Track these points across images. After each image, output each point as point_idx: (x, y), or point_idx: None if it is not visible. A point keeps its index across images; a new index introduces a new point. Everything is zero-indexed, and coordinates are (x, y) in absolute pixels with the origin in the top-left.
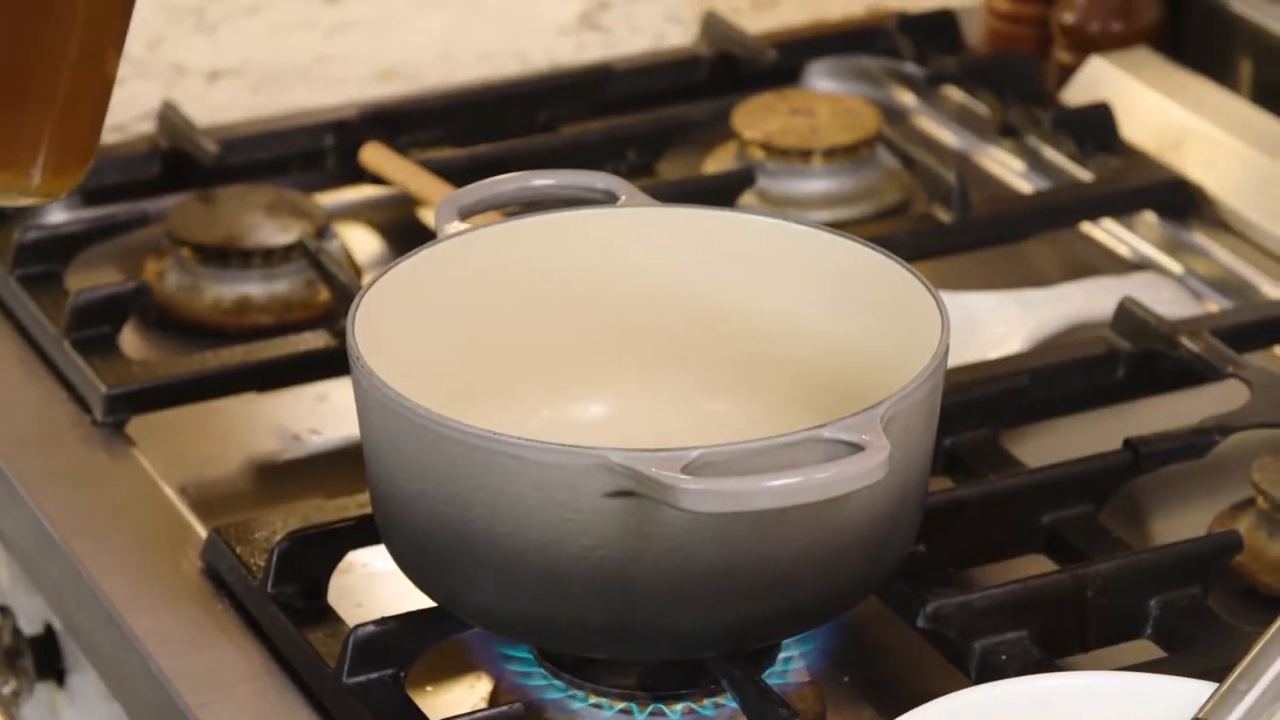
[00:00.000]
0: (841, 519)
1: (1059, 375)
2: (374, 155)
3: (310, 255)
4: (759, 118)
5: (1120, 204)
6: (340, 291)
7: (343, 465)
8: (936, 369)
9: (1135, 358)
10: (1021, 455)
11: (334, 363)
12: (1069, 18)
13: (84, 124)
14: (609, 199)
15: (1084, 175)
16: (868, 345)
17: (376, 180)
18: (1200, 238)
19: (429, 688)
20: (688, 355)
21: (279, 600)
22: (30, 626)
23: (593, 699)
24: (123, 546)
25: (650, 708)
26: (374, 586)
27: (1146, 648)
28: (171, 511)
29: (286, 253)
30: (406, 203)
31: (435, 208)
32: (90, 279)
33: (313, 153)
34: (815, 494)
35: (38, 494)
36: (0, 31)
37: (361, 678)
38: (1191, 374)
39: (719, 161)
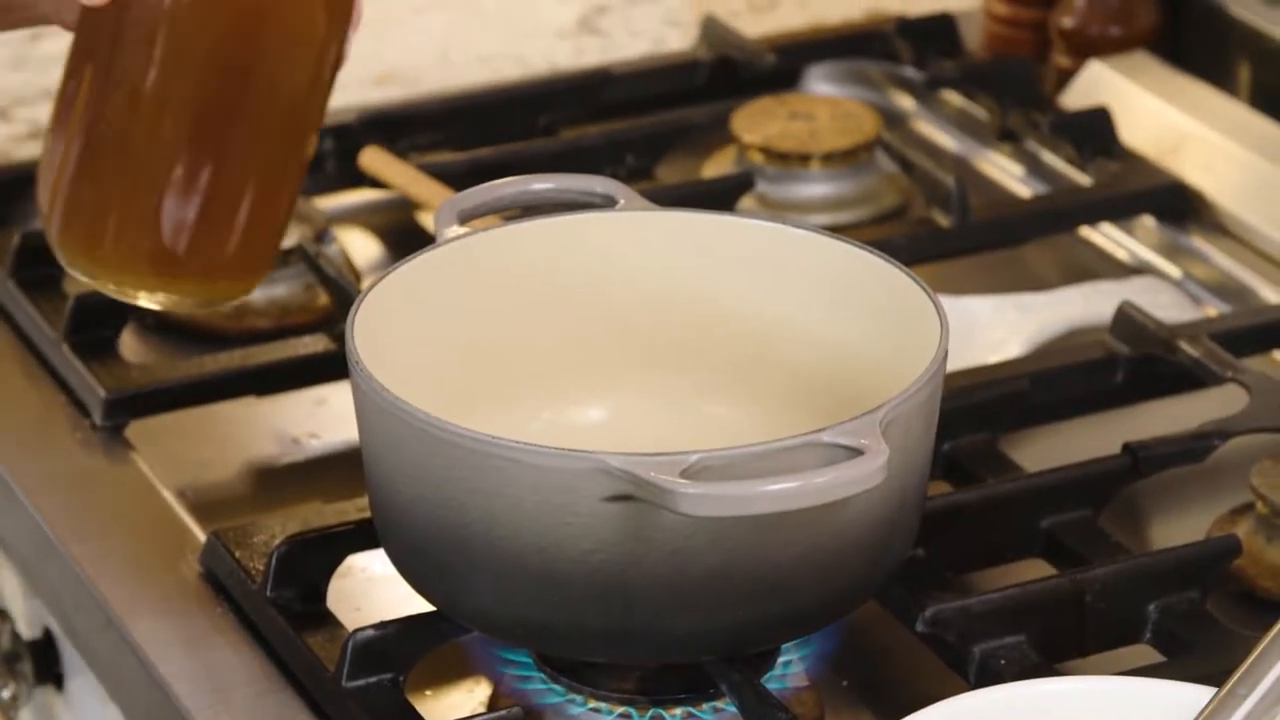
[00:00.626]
0: (840, 523)
1: (1058, 379)
2: (373, 159)
3: (309, 259)
4: (758, 122)
5: (1119, 208)
6: (339, 295)
7: (341, 469)
8: (935, 373)
9: (1134, 362)
10: (1020, 459)
11: (333, 367)
12: (1068, 22)
13: (276, 242)
14: (608, 203)
15: (1083, 179)
16: (866, 349)
17: (375, 184)
18: (1199, 242)
19: (428, 692)
20: (687, 359)
21: (278, 604)
22: (29, 630)
23: (592, 703)
24: (121, 550)
25: (649, 712)
26: (373, 591)
27: (1145, 652)
28: (170, 515)
29: (285, 257)
30: (405, 206)
31: (434, 211)
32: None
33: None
34: (814, 498)
35: (36, 498)
36: (233, 174)
37: (361, 682)
38: (1190, 378)
39: (718, 165)
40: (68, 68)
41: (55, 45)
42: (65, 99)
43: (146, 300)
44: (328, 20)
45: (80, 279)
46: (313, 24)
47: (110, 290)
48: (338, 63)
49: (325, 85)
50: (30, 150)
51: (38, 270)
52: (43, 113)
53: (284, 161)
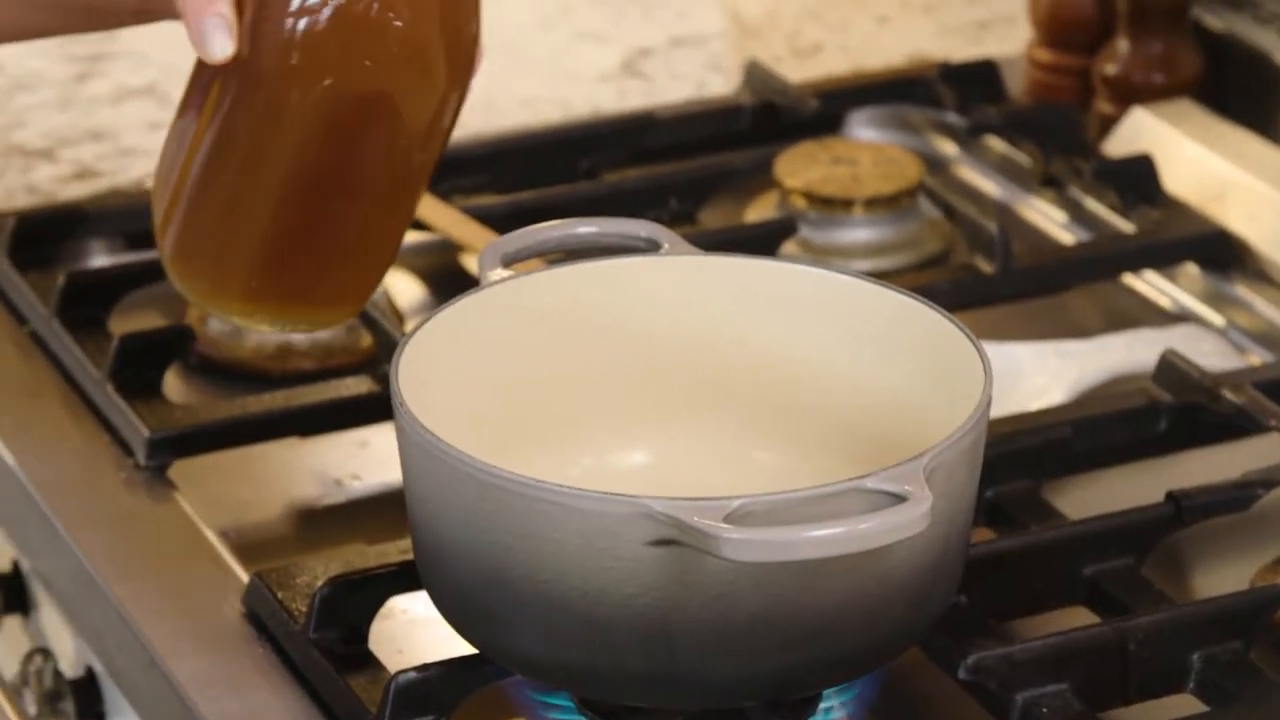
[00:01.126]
0: (883, 569)
1: (1101, 427)
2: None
3: None
4: (801, 166)
5: (1162, 255)
6: (382, 337)
7: (384, 511)
8: (979, 420)
9: (1177, 410)
10: (1063, 507)
11: (376, 408)
12: (1111, 69)
13: (384, 274)
14: (651, 247)
15: (1126, 226)
16: (909, 395)
17: (419, 226)
18: (1242, 290)
19: None
20: (729, 403)
21: (320, 645)
22: (71, 670)
23: None
24: (164, 590)
25: None
26: (415, 632)
27: (1188, 702)
28: (213, 556)
29: None
30: (449, 249)
31: (478, 254)
32: (133, 323)
33: None
34: (857, 544)
35: (80, 537)
36: (347, 225)
37: None
38: (1233, 427)
39: (761, 210)
40: (187, 97)
41: (101, 86)
42: (182, 130)
43: (248, 324)
44: (448, 82)
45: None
46: (434, 85)
47: (216, 313)
48: (458, 109)
49: (444, 132)
50: (75, 190)
51: (83, 310)
52: (88, 153)
53: (398, 206)
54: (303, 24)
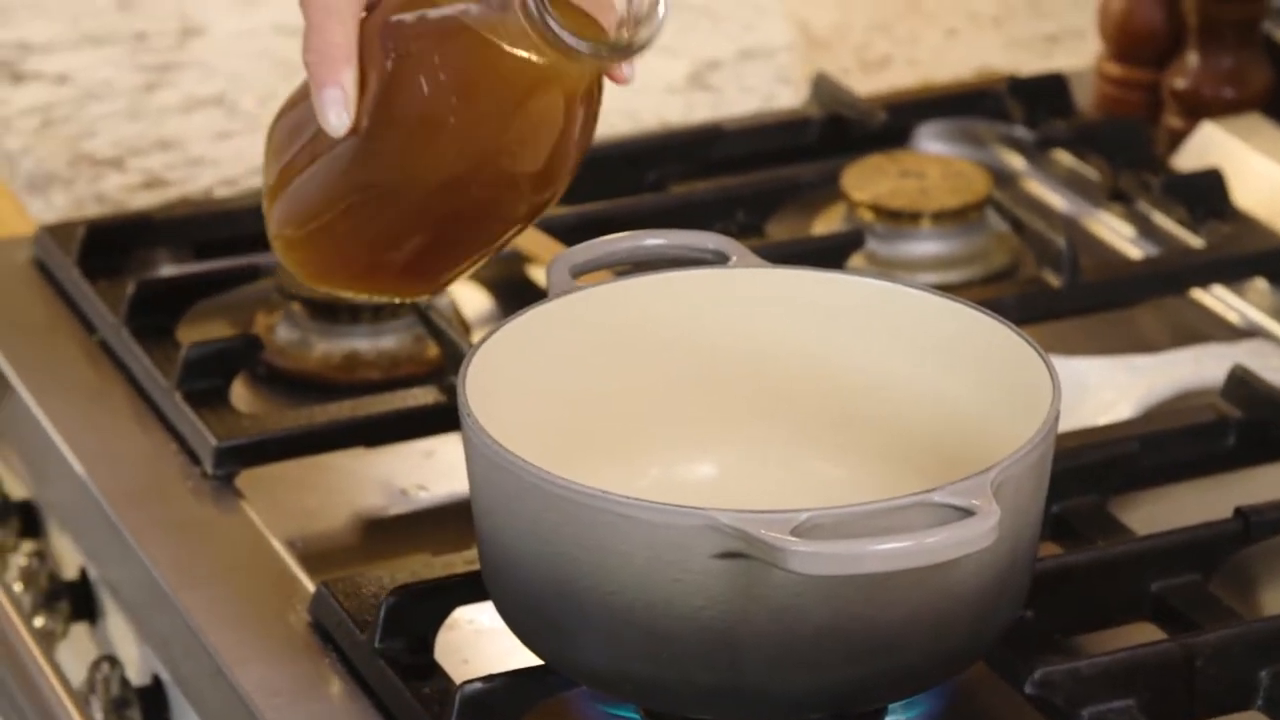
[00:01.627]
0: (950, 583)
1: (1168, 442)
2: None
3: (420, 311)
4: (868, 179)
5: (1231, 270)
6: (449, 348)
7: (450, 521)
8: (1048, 434)
9: (1246, 425)
10: (1130, 522)
11: (442, 418)
12: (1180, 83)
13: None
14: (719, 259)
15: (1194, 241)
16: (975, 409)
17: None
18: None
19: None
20: (796, 416)
21: (386, 655)
22: (138, 678)
23: None
24: (231, 599)
25: None
26: (481, 643)
27: (1256, 719)
28: (280, 565)
29: (396, 309)
30: (516, 260)
31: (546, 265)
32: (201, 332)
33: None
34: (925, 558)
35: (147, 545)
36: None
37: None
38: None
39: (828, 223)
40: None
41: (170, 96)
42: (307, 113)
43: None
44: (586, 113)
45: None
46: (571, 118)
47: (322, 288)
48: (592, 125)
49: (577, 147)
50: (144, 199)
51: (151, 319)
52: (157, 163)
53: (536, 197)
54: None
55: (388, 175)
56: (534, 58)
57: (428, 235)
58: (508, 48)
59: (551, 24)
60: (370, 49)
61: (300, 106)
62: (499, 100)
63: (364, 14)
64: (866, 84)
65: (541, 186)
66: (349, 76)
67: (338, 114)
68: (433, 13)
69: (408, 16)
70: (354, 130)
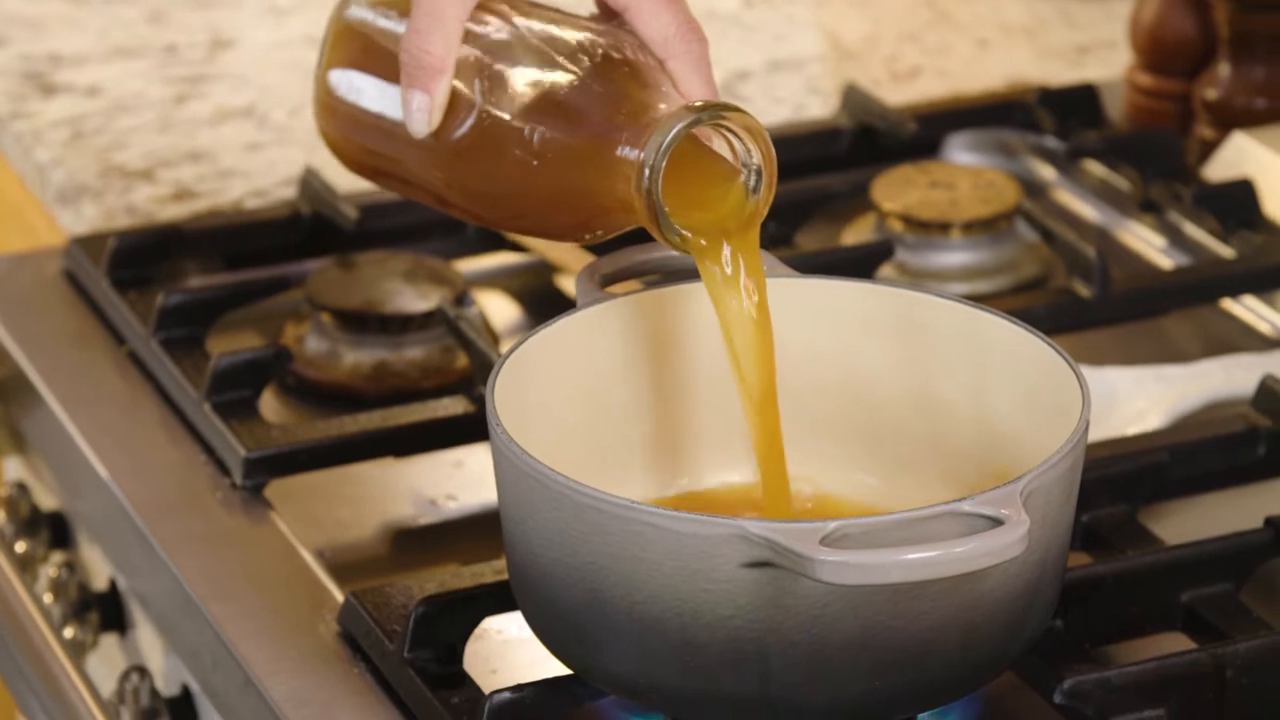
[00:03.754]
0: (979, 593)
1: (1198, 452)
2: None
3: (449, 321)
4: (898, 190)
5: (1262, 281)
6: (478, 358)
7: (479, 531)
8: (1077, 444)
9: (1276, 436)
10: (1160, 532)
11: (471, 429)
12: (1212, 93)
13: None
14: None
15: (1225, 251)
16: (1006, 418)
17: (515, 247)
18: None
19: None
20: (824, 425)
21: (415, 665)
22: (168, 688)
23: None
24: (260, 609)
25: None
26: (509, 653)
27: None
28: (309, 575)
29: (425, 319)
30: (545, 270)
31: (575, 275)
32: (231, 343)
33: (452, 220)
34: (953, 568)
35: (177, 556)
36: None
37: None
38: None
39: (858, 233)
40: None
41: (201, 108)
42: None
43: None
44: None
45: None
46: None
47: None
48: None
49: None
50: (174, 211)
51: (181, 330)
52: (187, 174)
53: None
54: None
55: (439, 180)
56: (625, 194)
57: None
58: (603, 178)
59: (662, 222)
60: (469, 71)
61: (385, 38)
62: (572, 205)
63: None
64: (897, 94)
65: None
66: (441, 89)
67: (420, 120)
68: (547, 80)
69: (519, 73)
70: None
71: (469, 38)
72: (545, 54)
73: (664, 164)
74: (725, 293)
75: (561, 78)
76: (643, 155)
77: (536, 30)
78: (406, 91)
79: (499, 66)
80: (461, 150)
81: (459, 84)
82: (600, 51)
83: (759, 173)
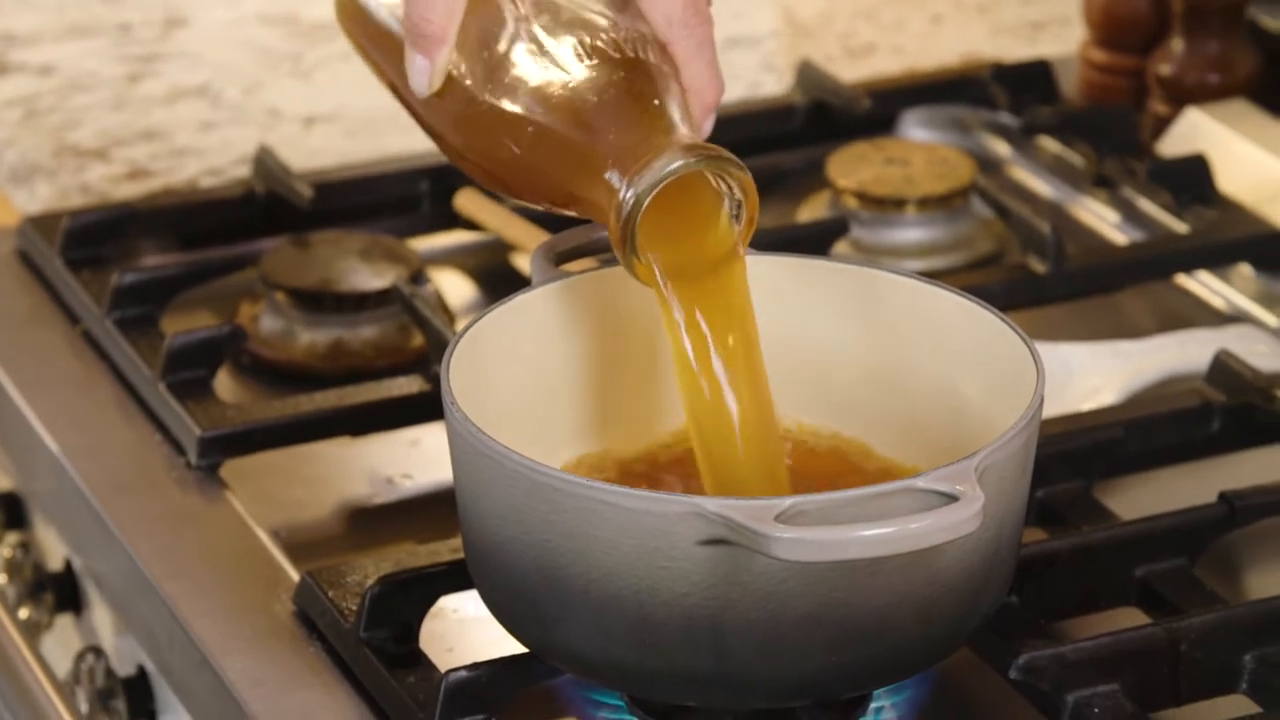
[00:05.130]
0: (935, 569)
1: (1153, 427)
2: (468, 201)
3: (404, 300)
4: (853, 166)
5: (1216, 256)
6: (434, 337)
7: (435, 510)
8: (1032, 420)
9: (1230, 410)
10: (1115, 507)
11: (427, 407)
12: (1165, 69)
13: None
14: None
15: (1179, 227)
16: (961, 395)
17: (470, 226)
18: None
19: None
20: (780, 403)
21: (371, 644)
22: (123, 668)
23: None
24: (215, 589)
25: None
26: (465, 631)
27: (1241, 703)
28: (264, 555)
29: (380, 298)
30: (500, 248)
31: (529, 254)
32: (185, 322)
33: (407, 198)
34: (908, 544)
35: (132, 536)
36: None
37: None
38: None
39: (813, 210)
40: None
41: (155, 86)
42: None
43: None
44: None
45: None
46: None
47: None
48: None
49: None
50: (128, 190)
51: (135, 310)
52: (141, 153)
53: None
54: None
55: (433, 126)
56: (603, 208)
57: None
58: (586, 188)
59: (626, 251)
60: (472, 48)
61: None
62: (552, 194)
63: None
64: (851, 71)
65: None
66: (440, 57)
67: (421, 83)
68: (545, 78)
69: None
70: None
71: (476, 12)
72: (547, 49)
73: (645, 206)
74: (679, 335)
75: (558, 78)
76: (624, 193)
77: (543, 20)
78: (408, 52)
79: (500, 50)
80: (455, 118)
81: (459, 61)
82: (604, 50)
83: (739, 204)
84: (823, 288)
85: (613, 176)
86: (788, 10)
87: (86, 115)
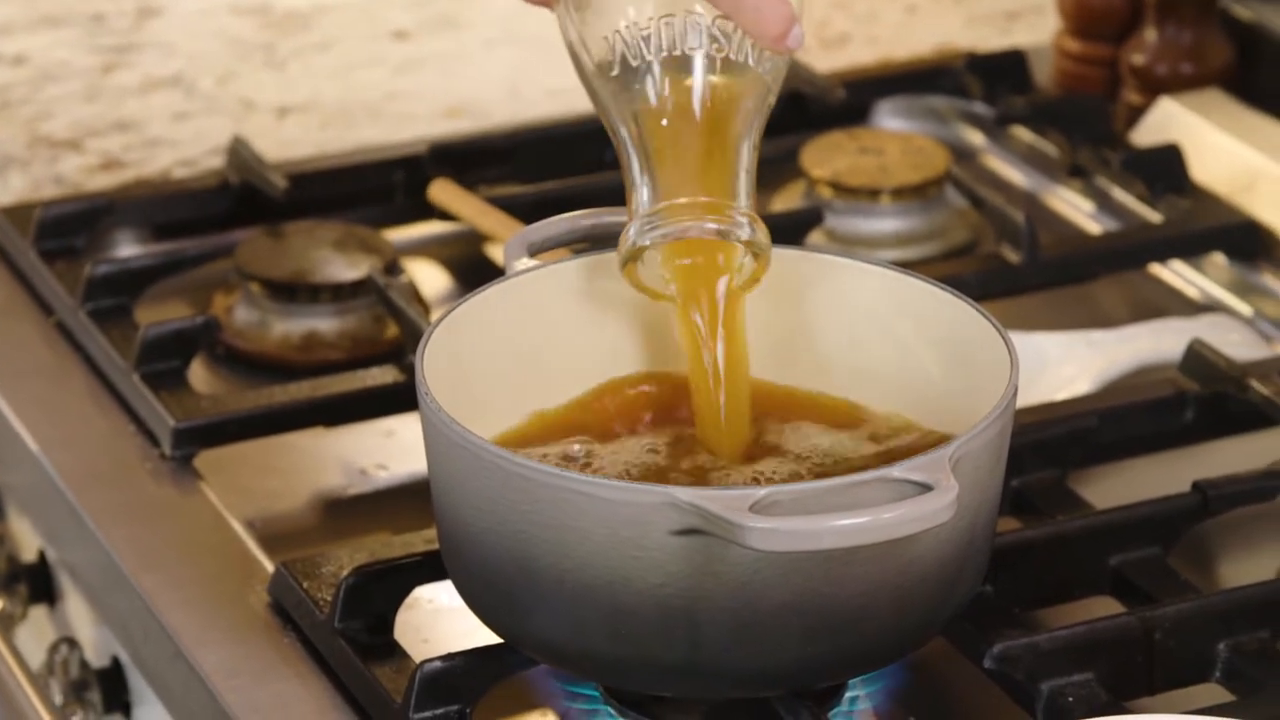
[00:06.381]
0: (909, 559)
1: (1127, 417)
2: (442, 191)
3: (379, 291)
4: (827, 156)
5: (1190, 245)
6: (408, 327)
7: (409, 501)
8: (1006, 409)
9: (1204, 400)
10: (1089, 496)
11: (401, 398)
12: (1139, 59)
13: None
14: None
15: (1153, 216)
16: (936, 384)
17: (445, 216)
18: (1270, 280)
19: None
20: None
21: (345, 635)
22: (98, 659)
23: None
24: (190, 580)
25: None
26: (440, 622)
27: (1215, 691)
28: (239, 546)
29: (355, 288)
30: (474, 239)
31: (504, 244)
32: (159, 313)
33: (381, 188)
34: (883, 534)
35: (106, 527)
36: None
37: (428, 713)
38: (1261, 416)
39: (787, 200)
40: None
41: (128, 77)
42: None
43: None
44: None
45: None
46: None
47: None
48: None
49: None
50: (102, 181)
51: (109, 301)
52: (114, 144)
53: None
54: None
55: None
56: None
57: None
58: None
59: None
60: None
61: None
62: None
63: None
64: (826, 61)
65: None
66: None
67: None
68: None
69: None
70: None
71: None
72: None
73: (640, 253)
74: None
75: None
76: (631, 229)
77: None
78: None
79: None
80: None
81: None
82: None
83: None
84: (796, 278)
85: (641, 191)
86: None
87: (59, 106)
